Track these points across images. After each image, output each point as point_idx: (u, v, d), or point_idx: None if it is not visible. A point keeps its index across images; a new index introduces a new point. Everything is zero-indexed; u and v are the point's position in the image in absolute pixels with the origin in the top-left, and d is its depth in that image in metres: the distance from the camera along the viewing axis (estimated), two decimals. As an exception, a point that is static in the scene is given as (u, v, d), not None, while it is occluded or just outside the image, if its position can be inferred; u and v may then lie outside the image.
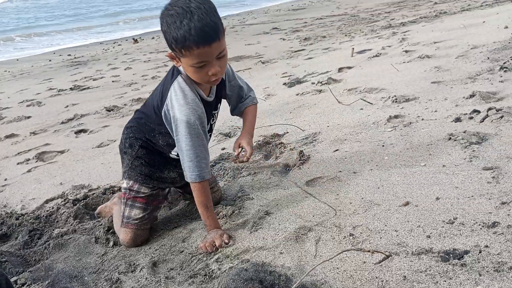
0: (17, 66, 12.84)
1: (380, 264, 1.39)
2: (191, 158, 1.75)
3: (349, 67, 5.02)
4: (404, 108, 2.98)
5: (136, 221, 1.96)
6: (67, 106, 5.90)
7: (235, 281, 1.36)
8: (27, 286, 1.71)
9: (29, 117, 5.58)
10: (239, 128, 3.41)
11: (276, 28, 11.77)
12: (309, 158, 2.46)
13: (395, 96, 3.24)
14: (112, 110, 5.16)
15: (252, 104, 2.10)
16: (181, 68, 1.77)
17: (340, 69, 4.98)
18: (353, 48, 5.98)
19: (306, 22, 11.84)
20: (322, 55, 6.54)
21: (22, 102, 6.80)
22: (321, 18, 12.10)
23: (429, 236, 1.49)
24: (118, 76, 7.88)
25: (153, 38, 14.24)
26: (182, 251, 1.76)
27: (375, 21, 9.78)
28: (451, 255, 1.35)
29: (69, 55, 13.50)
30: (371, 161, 2.23)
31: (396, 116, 2.82)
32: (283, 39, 9.64)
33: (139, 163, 1.98)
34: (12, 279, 1.79)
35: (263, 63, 6.83)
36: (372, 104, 3.24)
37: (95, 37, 15.64)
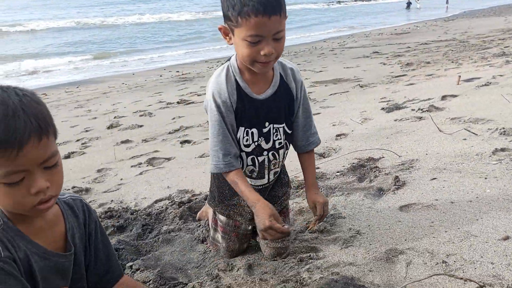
0: (133, 79, 14.26)
1: (473, 293, 1.39)
2: (211, 145, 1.68)
3: (454, 95, 4.83)
4: (513, 141, 2.83)
5: (219, 244, 1.96)
6: (174, 118, 6.43)
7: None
8: (140, 271, 1.97)
9: (141, 126, 6.18)
10: (334, 150, 3.48)
11: (377, 52, 11.59)
12: (404, 184, 2.46)
13: (503, 128, 3.08)
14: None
15: (316, 145, 1.94)
16: (232, 59, 1.71)
17: (443, 97, 4.82)
18: (460, 76, 5.72)
19: (409, 47, 11.51)
20: (425, 81, 6.34)
21: (136, 112, 7.55)
22: (426, 43, 11.68)
23: (528, 272, 1.45)
24: (221, 92, 8.41)
25: (254, 58, 14.77)
26: (275, 259, 1.89)
27: (487, 48, 9.20)
28: (551, 293, 1.31)
29: (177, 71, 14.66)
30: (471, 192, 2.17)
31: (502, 149, 2.69)
32: (384, 64, 9.50)
33: (215, 185, 1.90)
34: (128, 264, 2.06)
35: (361, 86, 6.81)
36: (477, 135, 3.12)
37: (202, 56, 16.80)
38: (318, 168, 3.05)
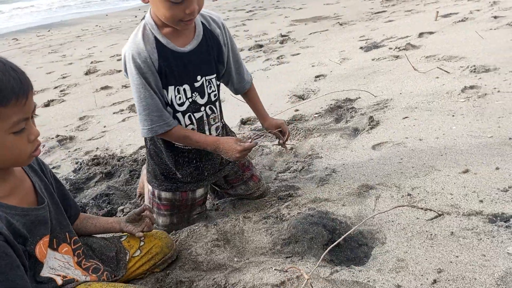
0: (107, 21, 13.73)
1: (432, 220, 1.56)
2: (139, 110, 1.59)
3: (431, 32, 4.86)
4: (482, 78, 2.95)
5: (165, 228, 1.84)
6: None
7: (302, 223, 1.60)
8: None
9: (119, 71, 6.08)
10: (313, 91, 3.56)
11: (357, -14, 11.33)
12: (378, 123, 2.59)
13: (474, 66, 3.18)
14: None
15: (250, 83, 1.90)
16: (146, 16, 1.61)
17: (420, 34, 4.85)
18: (438, 12, 5.73)
19: (389, -20, 11.26)
20: (404, 17, 6.32)
21: (113, 56, 7.39)
22: (406, -24, 11.44)
23: (481, 201, 1.62)
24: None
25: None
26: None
27: (467, -20, 9.08)
28: (498, 218, 1.49)
29: (153, 11, 14.16)
30: (439, 130, 2.32)
31: (471, 87, 2.82)
32: (364, -1, 9.37)
33: (152, 163, 1.81)
34: (119, 208, 2.19)
35: (341, 24, 6.75)
36: (448, 73, 3.22)
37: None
38: (297, 110, 3.15)
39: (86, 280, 1.39)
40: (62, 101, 4.95)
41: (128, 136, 3.40)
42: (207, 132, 1.75)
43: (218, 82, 1.76)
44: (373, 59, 4.20)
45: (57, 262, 1.35)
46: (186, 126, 1.70)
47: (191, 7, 1.44)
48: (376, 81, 3.48)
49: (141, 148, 3.04)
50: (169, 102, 1.64)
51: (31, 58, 8.32)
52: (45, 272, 1.31)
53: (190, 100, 1.67)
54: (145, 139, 1.80)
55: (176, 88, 1.62)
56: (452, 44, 4.08)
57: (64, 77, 6.17)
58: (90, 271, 1.44)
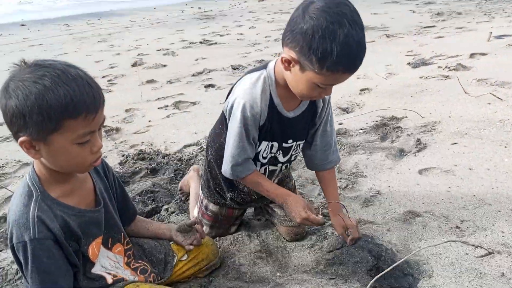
0: (154, 14, 14.06)
1: (482, 258, 1.54)
2: (228, 152, 1.59)
3: (483, 54, 4.74)
4: (538, 109, 2.87)
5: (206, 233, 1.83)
6: (197, 59, 6.44)
7: (346, 246, 1.62)
8: (175, 214, 2.15)
9: (165, 66, 6.21)
10: (358, 105, 3.54)
11: (407, -3, 11.14)
12: (425, 147, 2.55)
13: (530, 94, 3.09)
14: (237, 68, 5.53)
15: (335, 164, 1.81)
16: (269, 68, 1.56)
17: (472, 55, 4.74)
18: (491, 32, 5.56)
19: (442, -6, 11.01)
20: (455, 35, 6.17)
21: (159, 50, 7.56)
22: (460, -9, 11.15)
23: (535, 243, 1.58)
24: (243, 34, 8.27)
25: (278, -3, 14.35)
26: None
27: (524, 0, 8.77)
28: (553, 264, 1.45)
29: (200, 8, 14.39)
30: (490, 160, 2.27)
31: (526, 118, 2.74)
32: (413, 12, 9.17)
33: (208, 173, 1.84)
34: (164, 207, 2.25)
35: (388, 37, 6.65)
36: (502, 100, 3.14)
37: (224, -8, 16.32)
38: (341, 124, 3.14)
39: (134, 280, 1.45)
40: (109, 91, 5.11)
41: (172, 133, 3.47)
42: (272, 180, 1.78)
43: (302, 144, 1.75)
44: (421, 77, 4.14)
45: (108, 261, 1.42)
46: None
47: (329, 92, 1.45)
48: (424, 101, 3.42)
49: (185, 147, 3.11)
50: (256, 152, 1.66)
51: (81, 45, 8.61)
52: (96, 270, 1.38)
53: (272, 155, 1.70)
54: (207, 148, 1.82)
55: (267, 144, 1.65)
56: (506, 69, 3.97)
57: (112, 67, 6.36)
58: (138, 271, 1.50)
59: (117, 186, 1.52)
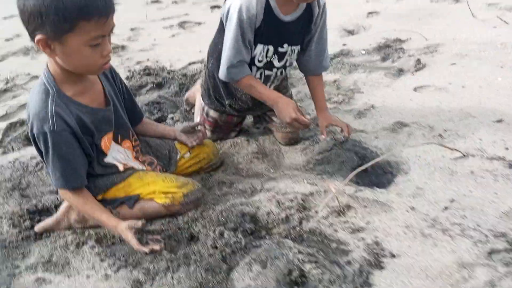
0: None
1: (456, 160, 1.68)
2: (225, 56, 1.68)
3: (499, -23, 4.58)
4: (541, 32, 2.86)
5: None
6: (205, -21, 6.30)
7: (335, 148, 1.76)
8: (180, 122, 2.30)
9: (170, -15, 6.12)
10: (364, 28, 3.54)
11: None
12: (424, 66, 2.62)
13: (536, 18, 3.07)
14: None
15: (325, 69, 1.92)
16: None
17: (487, -21, 4.58)
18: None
19: None
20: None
21: (165, -32, 7.35)
22: None
23: (507, 148, 1.72)
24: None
25: None
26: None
27: None
28: (519, 165, 1.60)
29: None
30: (484, 79, 2.34)
31: (528, 41, 2.76)
32: None
33: (208, 82, 1.94)
34: (169, 116, 2.40)
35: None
36: (507, 23, 3.12)
37: None
38: (345, 44, 3.17)
39: (143, 169, 1.63)
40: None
41: (177, 51, 3.53)
42: (267, 86, 1.86)
43: (298, 51, 1.82)
44: (431, 1, 4.06)
45: (119, 154, 1.58)
46: None
47: None
48: (431, 23, 3.41)
49: (189, 64, 3.19)
50: (251, 56, 1.73)
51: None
52: (109, 160, 1.55)
53: (268, 59, 1.77)
54: (207, 58, 1.91)
55: (263, 47, 1.72)
56: (519, -7, 3.87)
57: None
58: (145, 164, 1.67)
59: (124, 90, 1.64)
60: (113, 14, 1.29)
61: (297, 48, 1.81)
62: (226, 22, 1.67)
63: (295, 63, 1.90)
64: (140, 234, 1.39)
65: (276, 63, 1.80)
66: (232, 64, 1.67)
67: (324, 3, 1.76)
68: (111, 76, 1.59)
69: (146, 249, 1.33)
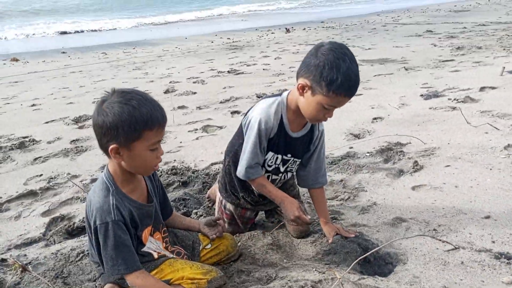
0: (185, 44, 14.84)
1: (448, 251, 1.89)
2: (243, 156, 1.99)
3: (493, 87, 5.03)
4: (528, 139, 3.17)
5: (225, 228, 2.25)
6: (225, 87, 6.91)
7: (341, 240, 2.00)
8: (203, 217, 2.56)
9: (195, 93, 6.71)
10: (369, 132, 3.92)
11: (430, 31, 11.39)
12: (421, 168, 2.91)
13: (524, 125, 3.40)
14: (261, 97, 5.93)
15: (322, 185, 2.21)
16: (283, 96, 1.99)
17: (482, 88, 5.02)
18: (504, 67, 5.84)
19: (465, 28, 11.24)
20: (471, 69, 6.43)
21: (189, 78, 8.10)
22: (483, 25, 11.38)
23: (493, 242, 1.93)
24: (269, 64, 8.75)
25: (304, 29, 14.88)
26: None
27: (543, 37, 8.95)
28: (503, 256, 1.80)
29: (229, 38, 15.12)
30: (474, 180, 2.61)
31: (515, 145, 3.07)
32: (434, 45, 9.45)
33: (225, 178, 2.23)
34: (194, 211, 2.67)
35: (406, 69, 6.95)
36: (498, 129, 3.46)
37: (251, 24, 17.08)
38: (351, 148, 3.52)
39: (173, 257, 1.87)
40: (145, 115, 5.61)
41: (200, 153, 3.90)
42: None
43: (298, 163, 2.18)
44: (430, 108, 4.46)
45: (152, 245, 1.84)
46: None
47: (331, 115, 1.86)
48: (429, 129, 3.77)
49: (212, 164, 3.53)
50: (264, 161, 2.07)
51: (118, 73, 9.28)
52: (145, 249, 1.81)
53: (276, 166, 2.11)
54: (225, 156, 2.23)
55: (273, 155, 2.07)
56: (510, 102, 4.26)
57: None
58: (174, 253, 1.91)
59: (160, 187, 1.96)
60: (165, 124, 1.63)
61: (298, 161, 2.15)
62: (246, 129, 2.01)
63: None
64: None
65: (281, 169, 2.13)
66: (250, 165, 1.99)
67: (323, 129, 2.14)
68: (152, 174, 1.91)
69: None
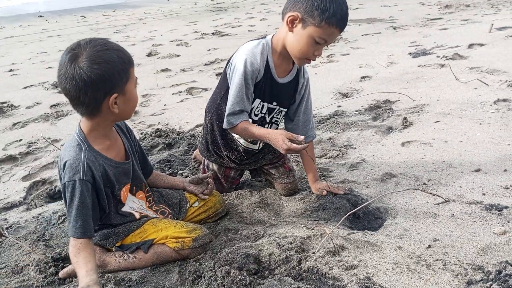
0: (168, 6, 14.41)
1: (438, 205, 1.86)
2: (229, 102, 1.85)
3: (481, 44, 4.98)
4: (517, 93, 3.14)
5: None
6: (209, 49, 6.76)
7: (329, 196, 1.96)
8: (188, 177, 2.50)
9: (178, 56, 6.56)
10: (357, 91, 3.85)
11: (419, -11, 11.23)
12: (411, 124, 2.87)
13: (513, 80, 3.36)
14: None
15: (312, 139, 2.13)
16: (267, 38, 1.89)
17: (470, 45, 4.98)
18: (492, 24, 5.78)
19: (454, -14, 11.08)
20: (459, 27, 6.37)
21: (172, 41, 7.90)
22: (471, -17, 11.23)
23: (484, 194, 1.91)
24: (254, 26, 8.56)
25: (290, -10, 14.46)
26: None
27: (531, -6, 8.87)
28: (494, 207, 1.78)
29: (212, 0, 14.69)
30: (464, 134, 2.58)
31: (504, 100, 3.03)
32: (422, 4, 9.34)
33: (207, 137, 2.13)
34: (179, 172, 2.61)
35: (394, 28, 6.86)
36: (487, 85, 3.42)
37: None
38: (339, 106, 3.45)
39: (156, 217, 1.81)
40: (127, 78, 5.45)
41: (185, 115, 3.81)
42: (257, 143, 2.09)
43: (283, 113, 2.09)
44: (419, 66, 4.41)
45: (134, 204, 1.78)
46: None
47: (319, 52, 1.78)
48: (418, 86, 3.71)
49: (197, 126, 3.45)
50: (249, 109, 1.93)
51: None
52: (126, 209, 1.74)
53: (262, 115, 2.02)
54: (205, 114, 2.11)
55: (260, 102, 1.96)
56: (499, 58, 4.22)
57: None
58: (158, 213, 1.86)
59: (137, 145, 1.87)
60: None
61: (284, 111, 2.06)
62: (230, 75, 1.90)
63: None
64: None
65: (267, 118, 2.03)
66: (234, 111, 1.86)
67: (308, 77, 2.05)
68: (127, 131, 1.82)
69: None
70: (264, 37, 1.92)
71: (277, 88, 1.95)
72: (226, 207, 2.04)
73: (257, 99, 1.95)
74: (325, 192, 2.02)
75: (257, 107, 1.98)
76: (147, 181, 1.90)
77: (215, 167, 2.21)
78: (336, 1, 1.68)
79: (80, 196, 1.53)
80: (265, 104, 1.98)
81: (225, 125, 1.91)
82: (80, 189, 1.53)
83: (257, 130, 1.85)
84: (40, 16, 13.26)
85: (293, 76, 1.98)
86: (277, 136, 1.75)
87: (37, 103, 4.54)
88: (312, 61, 1.84)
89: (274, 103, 2.00)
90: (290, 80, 1.98)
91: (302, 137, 1.70)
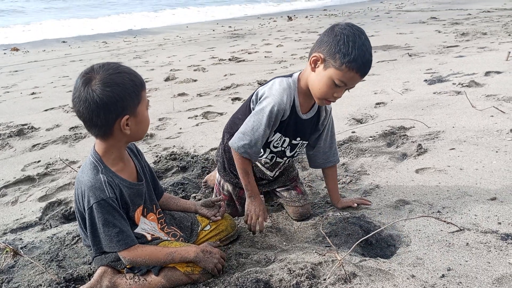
0: (187, 32, 14.73)
1: (453, 233, 1.83)
2: (246, 134, 1.89)
3: (498, 72, 4.95)
4: (535, 121, 3.10)
5: None
6: (226, 75, 6.86)
7: (342, 222, 1.94)
8: (199, 200, 2.51)
9: (195, 81, 6.67)
10: (371, 117, 3.85)
11: (434, 18, 11.28)
12: (425, 151, 2.84)
13: (531, 108, 3.32)
14: (262, 84, 5.89)
15: (333, 164, 2.20)
16: (294, 76, 1.95)
17: (487, 73, 4.95)
18: (510, 52, 5.75)
19: (470, 14, 11.12)
20: (475, 54, 6.35)
21: (190, 66, 8.04)
22: (488, 11, 11.24)
23: (499, 223, 1.87)
24: (270, 52, 8.67)
25: (306, 17, 14.74)
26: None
27: (549, 22, 8.82)
28: (509, 237, 1.74)
29: (230, 26, 15.00)
30: (480, 162, 2.54)
31: (522, 128, 2.99)
32: (439, 32, 9.35)
33: (224, 156, 2.17)
34: (192, 195, 2.62)
35: (410, 55, 6.87)
36: (504, 113, 3.39)
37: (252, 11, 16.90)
38: (354, 132, 3.45)
39: (168, 239, 1.82)
40: (144, 102, 5.56)
41: (200, 138, 3.86)
42: (274, 171, 2.17)
43: (305, 145, 2.15)
44: (434, 92, 4.39)
45: (146, 226, 1.79)
46: (265, 158, 2.09)
47: (339, 94, 1.83)
48: (433, 113, 3.70)
49: (211, 149, 3.48)
50: (268, 141, 2.00)
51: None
52: (138, 230, 1.76)
53: (282, 149, 2.06)
54: (223, 134, 2.16)
55: (280, 137, 2.01)
56: (516, 86, 4.18)
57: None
58: (170, 235, 1.86)
59: (148, 167, 1.90)
60: None
61: (306, 143, 2.12)
62: (255, 105, 1.94)
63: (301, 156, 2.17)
64: None
65: (287, 153, 2.08)
66: (250, 145, 1.90)
67: (331, 108, 2.11)
68: (138, 153, 1.86)
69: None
70: (291, 75, 1.98)
71: (302, 124, 2.01)
72: (237, 231, 2.04)
73: (277, 133, 2.00)
74: (355, 205, 2.12)
75: (276, 141, 2.02)
76: (159, 203, 1.92)
77: (230, 187, 2.23)
78: (360, 47, 1.70)
79: (113, 211, 1.58)
80: (287, 139, 2.03)
81: (235, 146, 1.93)
82: (111, 206, 1.58)
83: (253, 181, 2.00)
84: (64, 42, 13.70)
85: (315, 111, 2.04)
86: (260, 206, 1.98)
87: (57, 125, 4.64)
88: (332, 102, 1.88)
89: (298, 139, 2.05)
90: (313, 115, 2.03)
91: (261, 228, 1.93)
